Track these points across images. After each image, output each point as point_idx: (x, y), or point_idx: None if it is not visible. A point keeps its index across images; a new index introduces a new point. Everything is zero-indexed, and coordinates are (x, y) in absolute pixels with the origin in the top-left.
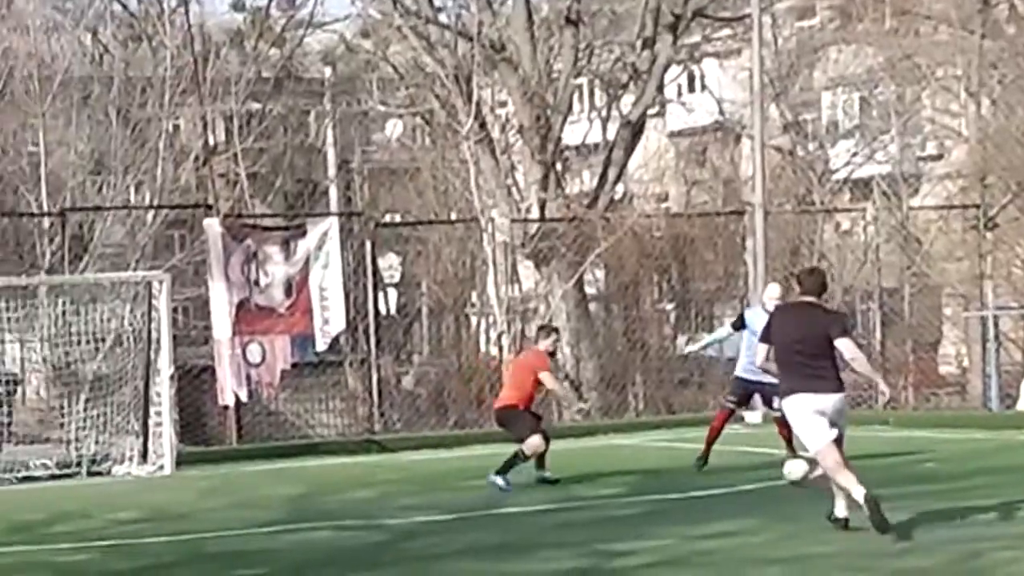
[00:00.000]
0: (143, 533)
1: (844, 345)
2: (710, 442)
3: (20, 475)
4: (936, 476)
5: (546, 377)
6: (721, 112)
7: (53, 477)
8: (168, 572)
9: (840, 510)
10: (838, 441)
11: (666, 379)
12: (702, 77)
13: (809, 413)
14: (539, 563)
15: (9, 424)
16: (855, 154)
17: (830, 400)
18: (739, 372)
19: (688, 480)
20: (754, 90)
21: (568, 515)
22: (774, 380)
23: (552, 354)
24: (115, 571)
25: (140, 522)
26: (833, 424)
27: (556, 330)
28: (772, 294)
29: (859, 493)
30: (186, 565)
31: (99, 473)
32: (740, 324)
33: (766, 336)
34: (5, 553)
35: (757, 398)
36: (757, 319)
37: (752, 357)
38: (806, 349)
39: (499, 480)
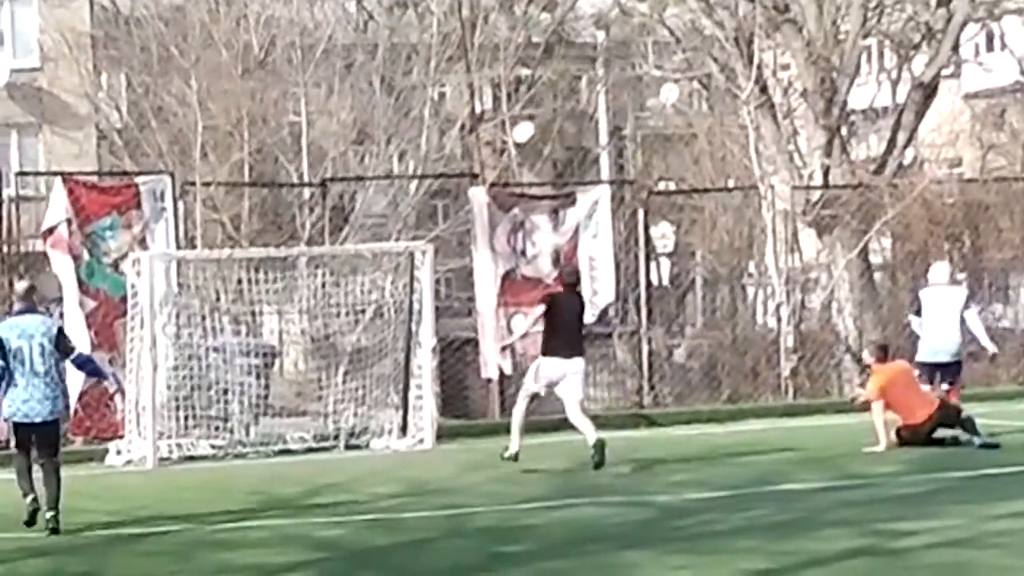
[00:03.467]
0: (403, 508)
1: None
2: None
3: (277, 448)
4: None
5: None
6: (1022, 72)
7: (310, 450)
8: (428, 548)
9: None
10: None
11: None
12: (1002, 35)
13: (561, 368)
14: (818, 542)
15: (266, 396)
16: None
17: (580, 361)
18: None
19: (978, 458)
20: None
21: (847, 493)
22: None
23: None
24: (374, 546)
25: (399, 496)
26: (574, 375)
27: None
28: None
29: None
30: (446, 541)
31: (357, 447)
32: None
33: (551, 313)
34: (262, 527)
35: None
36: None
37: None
38: (576, 324)
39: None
